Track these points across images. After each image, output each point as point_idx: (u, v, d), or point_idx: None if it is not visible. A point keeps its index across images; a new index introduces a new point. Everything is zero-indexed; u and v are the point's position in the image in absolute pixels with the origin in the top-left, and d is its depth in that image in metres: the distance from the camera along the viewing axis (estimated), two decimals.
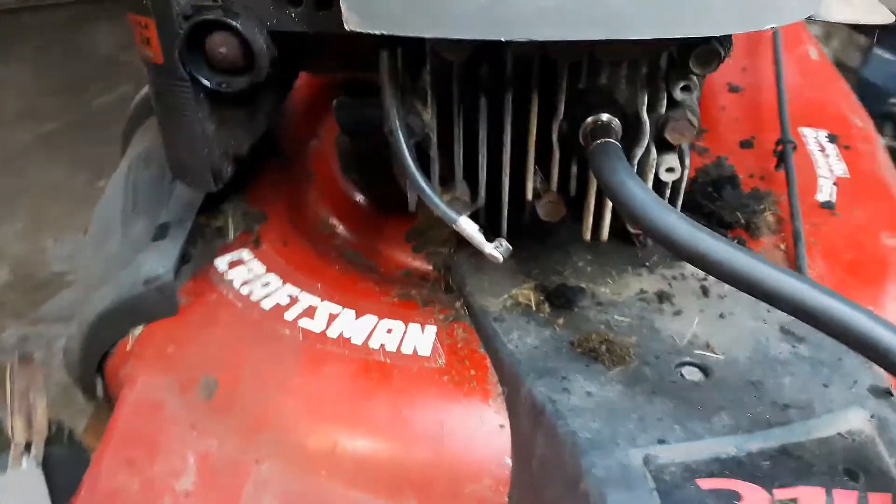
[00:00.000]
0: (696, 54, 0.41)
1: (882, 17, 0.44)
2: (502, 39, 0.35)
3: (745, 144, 0.74)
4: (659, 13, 0.34)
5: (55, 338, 1.90)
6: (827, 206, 0.65)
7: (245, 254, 0.62)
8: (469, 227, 0.45)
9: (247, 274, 0.60)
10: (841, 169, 0.70)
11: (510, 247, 0.46)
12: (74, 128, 2.73)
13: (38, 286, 2.10)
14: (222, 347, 0.56)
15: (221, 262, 0.61)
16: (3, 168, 2.53)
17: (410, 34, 0.36)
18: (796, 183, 0.63)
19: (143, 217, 0.66)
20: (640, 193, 0.38)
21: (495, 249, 0.45)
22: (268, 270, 0.60)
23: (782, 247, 0.61)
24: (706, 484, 0.38)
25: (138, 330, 0.58)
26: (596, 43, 0.37)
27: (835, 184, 0.68)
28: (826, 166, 0.70)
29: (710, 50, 0.41)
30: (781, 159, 0.67)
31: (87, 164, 2.48)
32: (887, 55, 2.09)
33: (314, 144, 0.75)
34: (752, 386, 0.45)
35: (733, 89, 0.80)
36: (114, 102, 2.79)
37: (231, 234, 0.63)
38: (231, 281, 0.60)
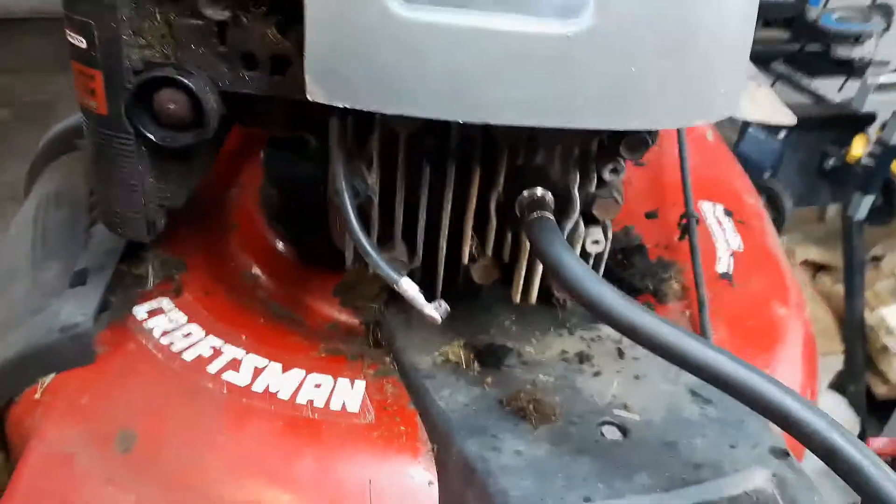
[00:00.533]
0: (626, 142, 0.45)
1: (786, 118, 0.49)
2: (459, 121, 0.37)
3: (650, 215, 0.79)
4: (606, 107, 0.37)
5: None
6: (725, 276, 0.71)
7: (165, 303, 0.61)
8: (410, 289, 0.46)
9: (167, 323, 0.59)
10: (736, 242, 0.76)
11: (448, 308, 0.48)
12: None
13: None
14: (141, 399, 0.54)
15: (141, 311, 0.60)
16: None
17: (373, 110, 0.37)
18: (700, 254, 0.68)
19: (55, 261, 0.63)
20: (577, 267, 0.41)
21: (435, 310, 0.47)
22: (189, 320, 0.59)
23: (687, 313, 0.65)
24: None
25: (49, 378, 0.56)
26: (540, 128, 0.40)
27: (731, 255, 0.74)
28: (723, 239, 0.77)
29: (639, 139, 0.45)
30: (685, 231, 0.72)
31: None
32: (760, 134, 2.30)
33: (235, 193, 0.75)
34: (667, 446, 0.49)
35: (638, 163, 0.86)
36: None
37: (151, 283, 0.62)
38: (151, 330, 0.58)
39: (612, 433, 0.50)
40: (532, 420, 0.48)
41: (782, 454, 0.48)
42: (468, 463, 0.46)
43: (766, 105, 0.46)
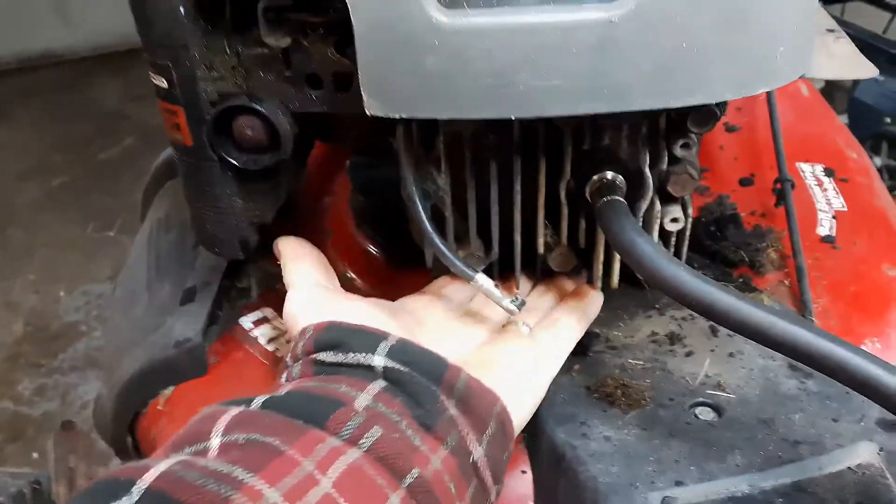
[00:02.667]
0: (692, 116, 0.44)
1: (865, 71, 0.47)
2: (512, 118, 0.38)
3: (745, 182, 0.76)
4: (658, 86, 0.37)
5: (71, 387, 1.93)
6: (828, 240, 0.68)
7: (269, 312, 0.65)
8: (486, 283, 0.47)
9: (272, 331, 0.63)
10: (839, 202, 0.72)
11: (525, 300, 0.49)
12: (81, 182, 2.78)
13: (53, 337, 2.14)
14: None
15: (247, 321, 0.64)
16: (14, 222, 2.58)
17: (425, 116, 0.39)
18: (796, 220, 0.66)
19: (167, 282, 0.68)
20: (649, 250, 0.41)
21: (511, 303, 0.48)
22: None
23: (786, 283, 0.63)
24: None
25: (169, 390, 0.61)
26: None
27: (834, 217, 0.71)
28: (824, 200, 0.73)
29: (706, 112, 0.44)
30: (781, 197, 0.69)
31: (96, 215, 2.54)
32: (878, 76, 2.13)
33: (329, 202, 0.78)
34: (763, 424, 0.47)
35: (730, 129, 0.83)
36: (119, 155, 2.85)
37: (254, 294, 0.66)
38: (256, 338, 0.62)
39: (705, 414, 0.49)
40: (621, 405, 0.48)
41: (892, 426, 0.46)
42: (557, 450, 0.46)
43: (845, 59, 0.43)
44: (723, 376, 0.52)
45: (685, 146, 0.47)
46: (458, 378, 0.42)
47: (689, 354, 0.54)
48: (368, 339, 0.42)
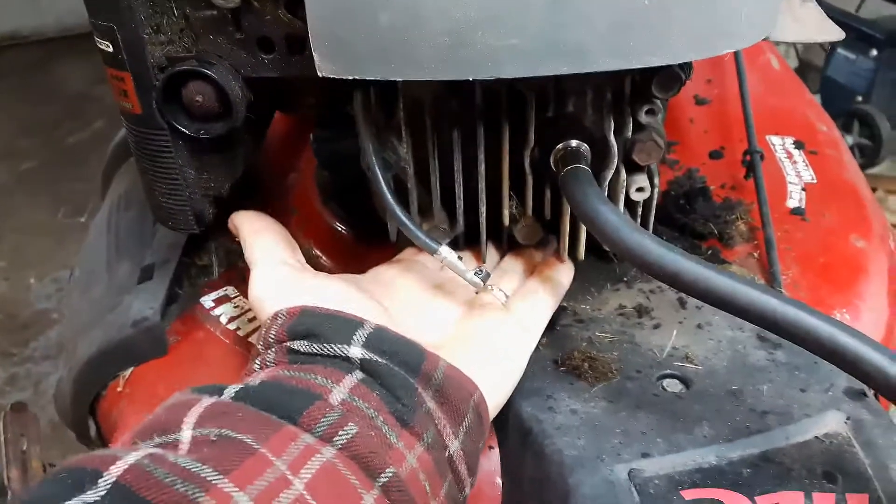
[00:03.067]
0: (657, 80, 0.43)
1: (832, 34, 0.46)
2: (469, 79, 0.36)
3: (715, 155, 0.76)
4: (617, 45, 0.35)
5: (44, 376, 1.90)
6: (797, 212, 0.67)
7: (231, 290, 0.63)
8: (449, 256, 0.46)
9: (233, 310, 0.61)
10: (809, 175, 0.72)
11: (490, 272, 0.47)
12: (50, 166, 2.73)
13: (23, 325, 2.10)
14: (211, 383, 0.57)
15: (207, 300, 0.62)
16: None
17: (380, 78, 0.37)
18: (765, 191, 0.65)
19: (126, 260, 0.66)
20: (613, 218, 0.40)
21: (476, 276, 0.46)
22: None
23: (755, 255, 0.62)
24: (689, 494, 0.39)
25: (128, 371, 0.59)
26: (561, 76, 0.39)
27: (803, 189, 0.70)
28: (794, 173, 0.72)
29: (670, 75, 0.43)
30: (750, 169, 0.68)
31: (66, 200, 2.49)
32: (849, 55, 2.15)
33: (293, 178, 0.76)
34: (731, 395, 0.47)
35: (700, 101, 0.82)
36: (88, 139, 2.79)
37: (216, 272, 0.64)
38: (218, 317, 0.60)
39: (673, 386, 0.48)
40: (588, 378, 0.47)
41: (859, 395, 0.46)
42: (524, 425, 0.45)
43: (810, 22, 0.42)
44: (690, 348, 0.51)
45: (650, 112, 0.46)
46: (436, 368, 0.41)
47: (656, 327, 0.53)
48: (344, 326, 0.41)
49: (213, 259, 0.64)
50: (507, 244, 0.54)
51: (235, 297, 0.62)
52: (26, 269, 2.21)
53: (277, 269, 0.48)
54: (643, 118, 0.46)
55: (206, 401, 0.36)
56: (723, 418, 0.45)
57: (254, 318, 0.60)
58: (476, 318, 0.49)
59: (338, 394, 0.37)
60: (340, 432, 0.35)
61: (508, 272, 0.53)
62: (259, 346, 0.43)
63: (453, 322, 0.49)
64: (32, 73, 3.31)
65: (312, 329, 0.40)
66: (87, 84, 3.12)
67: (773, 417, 0.45)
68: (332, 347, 0.39)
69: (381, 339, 0.40)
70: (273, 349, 0.41)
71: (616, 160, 0.47)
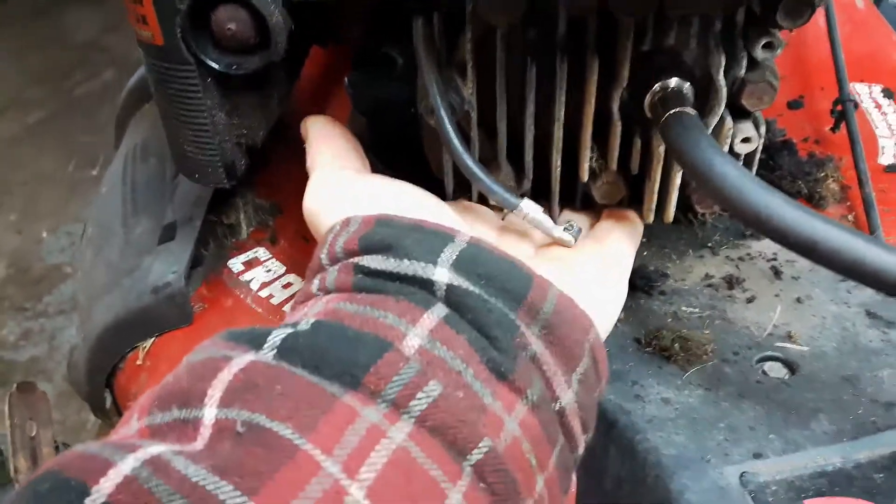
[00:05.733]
0: (785, 5, 0.35)
1: None
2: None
3: (794, 105, 0.68)
4: None
5: (58, 330, 1.86)
6: (892, 169, 0.60)
7: (262, 252, 0.56)
8: (534, 211, 0.39)
9: (265, 274, 0.55)
10: None
11: (581, 228, 0.41)
12: (61, 117, 2.66)
13: (36, 279, 2.06)
14: None
15: (236, 263, 0.56)
16: None
17: None
18: (861, 145, 0.57)
19: (145, 217, 0.60)
20: (734, 172, 0.33)
21: (566, 232, 0.40)
22: (288, 270, 0.55)
23: (850, 217, 0.55)
24: None
25: (149, 342, 0.53)
26: None
27: None
28: (885, 125, 0.65)
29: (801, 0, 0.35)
30: (840, 119, 0.61)
31: (77, 152, 2.43)
32: None
33: None
34: (846, 382, 0.40)
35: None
36: (98, 90, 2.72)
37: (245, 232, 0.57)
38: (248, 283, 0.54)
39: (776, 370, 0.42)
40: (679, 361, 0.41)
41: None
42: (607, 415, 0.39)
43: None
44: (792, 325, 0.44)
45: (768, 46, 0.39)
46: (546, 297, 0.32)
47: (750, 300, 0.46)
48: (429, 240, 0.32)
49: (241, 217, 0.58)
50: (581, 205, 0.47)
51: (267, 259, 0.56)
52: (38, 223, 2.16)
53: (340, 174, 0.40)
54: (759, 53, 0.39)
55: (239, 361, 0.27)
56: (842, 410, 0.38)
57: (288, 285, 0.54)
58: (556, 247, 0.41)
59: (413, 338, 0.29)
60: (419, 394, 0.27)
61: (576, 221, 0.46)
62: (322, 258, 0.35)
63: (528, 255, 0.41)
64: (39, 19, 3.21)
65: (391, 239, 0.32)
66: (97, 32, 3.03)
67: None
68: (413, 265, 0.31)
69: (477, 258, 0.32)
70: (338, 265, 0.33)
71: (723, 104, 0.39)
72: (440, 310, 0.30)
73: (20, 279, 2.03)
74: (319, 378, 0.27)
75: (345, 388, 0.27)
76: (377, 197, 0.37)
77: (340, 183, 0.39)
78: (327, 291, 0.32)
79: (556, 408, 0.31)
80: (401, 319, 0.29)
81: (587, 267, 0.39)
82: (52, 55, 2.92)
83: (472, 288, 0.31)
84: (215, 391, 0.26)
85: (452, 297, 0.30)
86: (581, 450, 0.34)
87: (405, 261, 0.31)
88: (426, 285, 0.31)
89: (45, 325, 1.88)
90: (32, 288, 1.99)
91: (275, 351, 0.28)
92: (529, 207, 0.39)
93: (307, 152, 0.43)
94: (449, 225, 0.34)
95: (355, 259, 0.32)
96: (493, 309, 0.30)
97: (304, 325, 0.29)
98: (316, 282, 0.33)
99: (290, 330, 0.28)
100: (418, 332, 0.29)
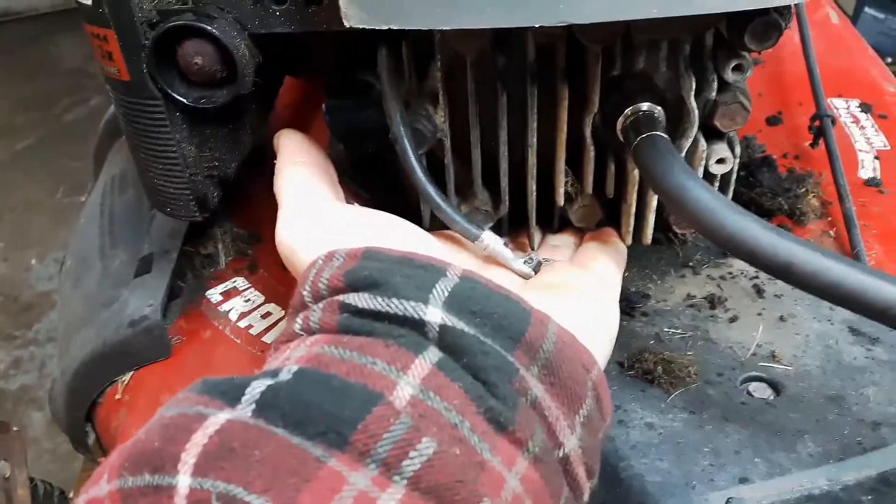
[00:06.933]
0: (752, 28, 0.35)
1: None
2: (534, 26, 0.29)
3: (773, 121, 0.68)
4: None
5: (48, 358, 1.84)
6: (872, 183, 0.60)
7: (240, 282, 0.56)
8: (493, 243, 0.39)
9: (244, 305, 0.54)
10: (880, 141, 0.65)
11: (542, 260, 0.40)
12: (48, 144, 2.66)
13: (25, 307, 2.05)
14: None
15: (214, 294, 0.55)
16: None
17: (422, 27, 0.30)
18: (840, 160, 0.57)
19: (122, 249, 0.59)
20: (706, 196, 0.32)
21: (525, 265, 0.39)
22: (267, 300, 0.54)
23: (832, 233, 0.55)
24: None
25: (127, 376, 0.52)
26: (636, 21, 0.31)
27: (876, 158, 0.63)
28: (863, 139, 0.65)
29: (768, 22, 0.35)
30: (819, 134, 0.61)
31: (65, 179, 2.43)
32: (878, 14, 2.05)
33: None
34: (831, 402, 0.40)
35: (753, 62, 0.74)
36: (86, 116, 2.72)
37: (223, 261, 0.57)
38: (227, 313, 0.54)
39: (760, 391, 0.41)
40: (662, 384, 0.40)
41: None
42: None
43: None
44: (776, 344, 0.44)
45: (738, 69, 0.38)
46: (545, 334, 0.29)
47: (733, 320, 0.46)
48: (419, 275, 0.30)
49: (219, 247, 0.57)
50: (559, 228, 0.47)
51: (246, 289, 0.55)
52: (26, 250, 2.15)
53: (313, 204, 0.37)
54: (729, 76, 0.38)
55: (215, 420, 0.25)
56: (827, 431, 0.38)
57: (267, 314, 0.53)
58: (544, 274, 0.40)
59: (405, 388, 0.26)
60: (411, 453, 0.25)
61: (561, 247, 0.46)
62: (304, 295, 0.32)
63: (518, 285, 0.39)
64: (27, 48, 3.21)
65: (379, 277, 0.30)
66: (83, 59, 3.03)
67: (887, 430, 0.38)
68: (402, 304, 0.29)
69: (471, 294, 0.29)
70: (322, 304, 0.31)
71: (696, 126, 0.39)
72: (433, 354, 0.28)
73: (9, 307, 2.01)
74: (301, 438, 0.25)
75: (330, 449, 0.24)
76: (359, 227, 0.35)
77: (316, 214, 0.37)
78: (311, 332, 0.31)
79: (559, 455, 0.29)
80: (391, 367, 0.27)
81: (580, 294, 0.37)
82: (40, 83, 2.92)
83: (466, 329, 0.28)
84: (189, 456, 0.24)
85: (446, 340, 0.28)
86: (586, 497, 0.31)
87: (394, 300, 0.29)
88: (417, 326, 0.28)
89: (35, 353, 1.86)
90: (22, 316, 1.97)
91: (253, 406, 0.26)
92: (490, 239, 0.38)
93: (276, 172, 0.40)
94: (437, 256, 0.32)
95: (340, 297, 0.30)
96: (490, 351, 0.28)
97: (285, 375, 0.27)
98: (299, 321, 0.31)
99: (269, 381, 0.26)
100: (410, 380, 0.27)
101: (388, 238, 0.34)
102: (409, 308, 0.29)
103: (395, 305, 0.29)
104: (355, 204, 0.40)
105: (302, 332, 0.31)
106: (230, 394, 0.26)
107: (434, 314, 0.28)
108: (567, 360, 0.30)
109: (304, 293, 0.32)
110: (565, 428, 0.29)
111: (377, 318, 0.29)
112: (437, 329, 0.28)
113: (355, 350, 0.28)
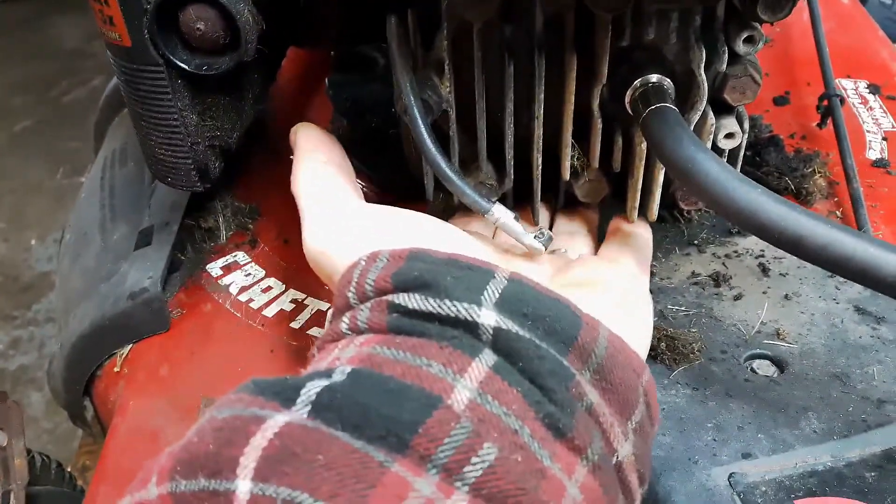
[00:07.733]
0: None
1: None
2: None
3: (780, 101, 0.67)
4: None
5: (47, 338, 1.85)
6: (880, 164, 0.59)
7: (241, 256, 0.56)
8: (505, 216, 0.38)
9: (244, 278, 0.54)
10: (888, 122, 0.64)
11: (552, 235, 0.40)
12: (47, 125, 2.65)
13: (25, 288, 2.05)
14: (223, 364, 0.49)
15: (215, 267, 0.55)
16: None
17: None
18: (848, 140, 0.57)
19: (122, 222, 0.59)
20: (716, 168, 0.32)
21: (536, 240, 0.39)
22: (268, 274, 0.54)
23: (839, 213, 0.55)
24: None
25: (126, 349, 0.52)
26: None
27: (884, 138, 0.62)
28: (871, 120, 0.64)
29: None
30: (827, 114, 0.60)
31: (65, 160, 2.42)
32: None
33: None
34: (836, 379, 0.40)
35: None
36: (85, 97, 2.71)
37: (223, 235, 0.56)
38: (227, 287, 0.53)
39: (764, 368, 0.41)
40: (666, 360, 0.40)
41: None
42: None
43: None
44: (780, 323, 0.43)
45: (749, 40, 0.38)
46: (597, 339, 0.29)
47: (738, 298, 0.46)
48: (470, 276, 0.29)
49: (219, 220, 0.57)
50: (564, 203, 0.46)
51: (246, 263, 0.55)
52: (26, 231, 2.14)
53: (339, 206, 0.37)
54: (740, 48, 0.38)
55: (273, 423, 0.24)
56: (832, 408, 0.37)
57: (268, 289, 0.53)
58: (571, 272, 0.39)
59: (462, 391, 0.25)
60: (473, 459, 0.24)
61: (575, 234, 0.45)
62: (349, 296, 0.31)
63: (547, 280, 0.38)
64: (25, 30, 3.19)
65: (429, 278, 0.29)
66: (82, 40, 3.01)
67: (892, 407, 0.37)
68: (454, 307, 0.28)
69: (521, 296, 0.28)
70: (370, 303, 0.30)
71: (705, 99, 0.39)
72: (489, 357, 0.27)
73: (9, 287, 2.01)
74: (363, 442, 0.24)
75: (392, 453, 0.23)
76: (389, 227, 0.35)
77: (343, 217, 0.36)
78: (359, 331, 0.30)
79: (614, 462, 0.29)
80: (447, 369, 0.26)
81: (616, 292, 0.37)
82: (38, 64, 2.91)
83: (520, 331, 0.28)
84: (248, 460, 0.23)
85: (500, 342, 0.27)
86: (637, 502, 0.31)
87: (447, 301, 0.28)
88: (471, 328, 0.28)
89: (35, 333, 1.86)
90: (21, 296, 1.97)
91: (309, 407, 0.25)
92: (500, 212, 0.38)
93: (293, 170, 0.40)
94: (482, 258, 0.31)
95: (389, 297, 0.29)
96: (546, 355, 0.27)
97: (339, 375, 0.26)
98: (345, 320, 0.30)
99: (324, 382, 0.26)
100: (467, 383, 0.26)
101: (428, 237, 0.34)
102: (461, 310, 0.28)
103: (447, 307, 0.28)
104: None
105: (349, 332, 0.30)
106: (284, 394, 0.25)
107: (488, 316, 0.28)
108: (619, 366, 0.29)
109: (350, 294, 0.31)
110: (619, 435, 0.29)
111: (428, 318, 0.28)
112: (491, 332, 0.27)
113: (409, 351, 0.27)
